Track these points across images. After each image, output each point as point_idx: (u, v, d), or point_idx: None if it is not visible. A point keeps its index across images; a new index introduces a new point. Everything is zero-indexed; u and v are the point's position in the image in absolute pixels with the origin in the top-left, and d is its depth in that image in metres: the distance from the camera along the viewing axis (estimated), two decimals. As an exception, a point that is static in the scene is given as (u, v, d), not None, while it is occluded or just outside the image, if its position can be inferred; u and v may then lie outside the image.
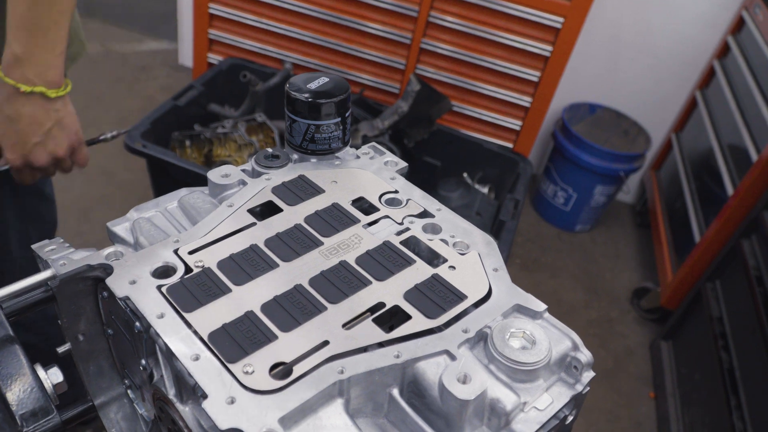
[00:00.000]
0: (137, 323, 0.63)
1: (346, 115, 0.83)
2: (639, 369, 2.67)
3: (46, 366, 0.66)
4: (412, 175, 0.85)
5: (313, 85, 0.81)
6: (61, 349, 0.77)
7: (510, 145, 2.72)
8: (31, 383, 0.63)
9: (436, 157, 2.62)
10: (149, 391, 0.71)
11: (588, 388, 0.64)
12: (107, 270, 0.64)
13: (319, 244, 0.69)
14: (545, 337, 0.62)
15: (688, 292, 2.51)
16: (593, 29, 2.94)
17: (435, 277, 0.66)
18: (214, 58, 2.82)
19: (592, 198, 3.13)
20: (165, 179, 2.12)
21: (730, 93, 2.63)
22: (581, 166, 3.01)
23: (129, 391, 0.84)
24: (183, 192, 0.81)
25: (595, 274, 3.10)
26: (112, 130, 1.49)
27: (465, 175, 2.61)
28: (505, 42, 2.50)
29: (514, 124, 2.68)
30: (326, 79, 0.83)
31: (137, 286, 0.62)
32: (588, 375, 0.63)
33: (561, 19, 2.39)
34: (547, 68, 2.50)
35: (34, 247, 0.68)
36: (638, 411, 2.50)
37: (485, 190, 2.58)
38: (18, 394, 0.61)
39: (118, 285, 0.62)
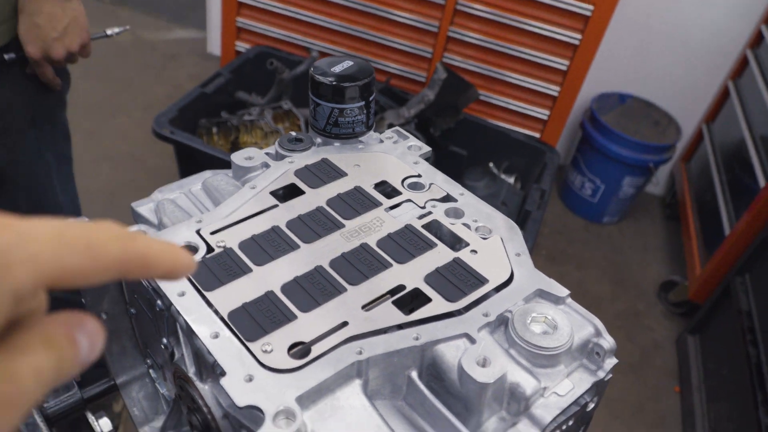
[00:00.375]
0: (158, 301, 0.63)
1: (370, 99, 0.83)
2: (665, 363, 2.64)
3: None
4: (437, 165, 0.84)
5: (337, 69, 0.81)
6: (85, 328, 0.78)
7: (537, 134, 2.69)
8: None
9: (462, 146, 2.60)
10: (170, 370, 0.72)
11: (610, 375, 0.63)
12: (130, 249, 0.65)
13: (340, 226, 0.69)
14: (567, 322, 0.61)
15: (717, 286, 2.46)
16: (623, 17, 2.89)
17: (456, 261, 0.66)
18: (242, 46, 2.84)
19: (621, 189, 3.09)
20: (192, 166, 2.14)
21: (763, 83, 2.56)
22: (610, 156, 2.96)
23: (151, 371, 0.85)
24: (207, 174, 0.81)
25: (623, 266, 3.06)
26: (113, 28, 1.53)
27: (491, 164, 2.59)
28: (534, 30, 2.47)
29: (542, 113, 2.65)
30: (350, 63, 0.82)
31: (159, 265, 0.63)
32: (610, 362, 0.62)
33: (591, 7, 2.35)
34: (576, 57, 2.46)
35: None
36: (663, 404, 2.47)
37: (511, 180, 2.56)
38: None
39: (140, 263, 0.63)
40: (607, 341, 0.62)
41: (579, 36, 2.42)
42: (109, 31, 1.52)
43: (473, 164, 2.59)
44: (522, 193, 2.50)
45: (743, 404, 2.03)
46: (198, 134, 2.25)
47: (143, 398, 0.87)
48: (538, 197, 2.21)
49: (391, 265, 0.65)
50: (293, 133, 0.83)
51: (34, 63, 1.31)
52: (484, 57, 2.59)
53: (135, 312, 0.77)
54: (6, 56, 1.29)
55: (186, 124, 2.16)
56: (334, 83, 0.79)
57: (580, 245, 3.13)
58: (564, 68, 2.51)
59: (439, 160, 2.41)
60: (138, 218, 0.76)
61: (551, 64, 2.52)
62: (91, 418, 0.72)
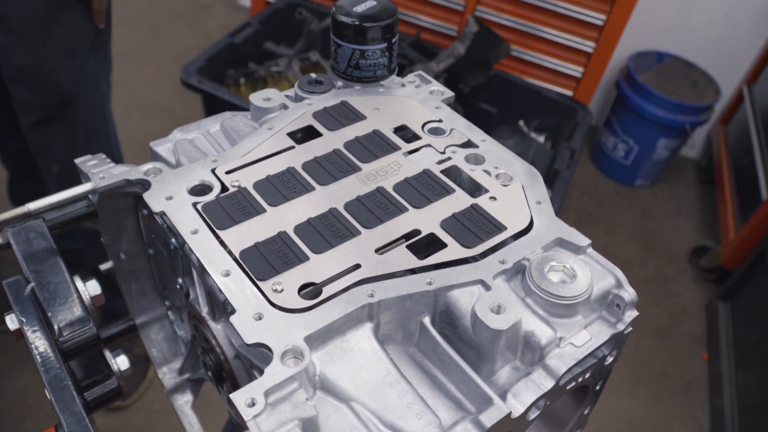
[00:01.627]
0: (173, 240, 0.63)
1: (393, 41, 0.80)
2: (693, 329, 2.60)
3: (85, 279, 0.67)
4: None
5: (359, 8, 0.78)
6: (103, 267, 0.78)
7: (570, 93, 2.62)
8: (69, 295, 0.64)
9: (492, 103, 2.54)
10: (186, 311, 0.72)
11: (630, 329, 0.61)
12: (145, 186, 0.64)
13: (357, 169, 0.68)
14: (587, 272, 0.59)
15: (751, 251, 2.41)
16: (666, -28, 2.78)
17: (474, 207, 0.64)
18: (272, -4, 2.80)
19: (655, 151, 3.01)
20: (219, 116, 2.13)
21: (812, 42, 2.45)
22: (645, 117, 2.88)
23: (169, 313, 0.85)
24: (226, 115, 0.80)
25: (653, 230, 3.01)
26: None
27: (521, 122, 2.54)
28: (571, -17, 2.39)
29: (575, 70, 2.57)
30: (373, 3, 0.80)
31: (173, 202, 0.62)
32: (631, 314, 0.60)
33: (631, -41, 2.26)
34: (614, 11, 2.37)
35: (77, 161, 0.69)
36: (689, 371, 2.45)
37: (541, 139, 2.51)
38: (56, 305, 0.63)
39: (154, 200, 0.62)
40: (628, 293, 0.60)
41: (618, -10, 2.33)
42: None
43: (503, 122, 2.54)
44: (552, 152, 2.45)
45: (772, 372, 2.00)
46: (226, 85, 2.24)
47: (162, 340, 0.88)
48: (568, 156, 2.16)
49: (407, 209, 0.63)
50: (313, 75, 0.81)
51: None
52: (518, 11, 2.52)
53: (153, 252, 0.77)
54: None
55: (214, 74, 2.14)
56: (356, 23, 0.77)
57: (611, 208, 3.08)
58: (600, 23, 2.43)
59: (468, 117, 2.35)
60: (156, 158, 0.75)
61: (587, 19, 2.44)
62: (108, 355, 0.72)
